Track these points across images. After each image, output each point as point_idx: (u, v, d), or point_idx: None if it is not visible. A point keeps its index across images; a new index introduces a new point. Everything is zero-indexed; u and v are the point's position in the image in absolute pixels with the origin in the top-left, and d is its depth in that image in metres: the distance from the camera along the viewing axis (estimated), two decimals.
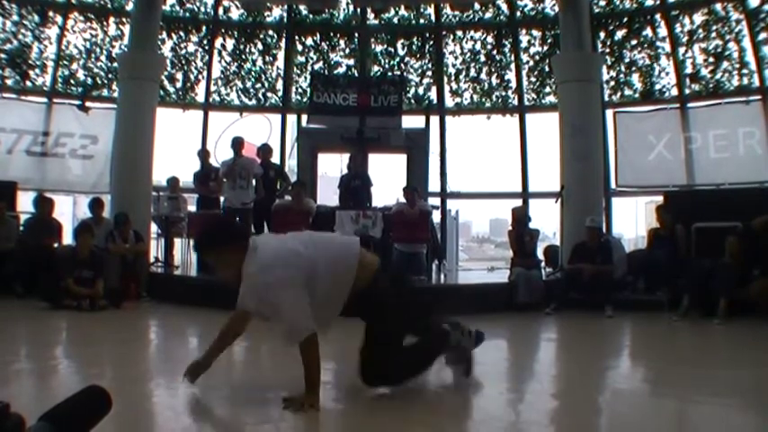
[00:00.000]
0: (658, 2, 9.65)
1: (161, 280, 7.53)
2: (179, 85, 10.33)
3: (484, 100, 10.45)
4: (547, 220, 9.78)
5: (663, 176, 9.26)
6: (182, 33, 10.34)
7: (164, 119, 9.26)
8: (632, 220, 13.84)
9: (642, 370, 4.41)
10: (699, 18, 9.29)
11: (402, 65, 10.61)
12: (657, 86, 9.65)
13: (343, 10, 10.53)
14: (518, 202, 9.45)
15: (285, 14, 10.60)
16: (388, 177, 12.38)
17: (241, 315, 3.18)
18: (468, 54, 10.50)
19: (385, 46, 10.66)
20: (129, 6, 9.50)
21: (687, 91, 9.41)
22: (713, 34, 9.18)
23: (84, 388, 0.83)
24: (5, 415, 0.72)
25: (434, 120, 10.49)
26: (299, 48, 10.67)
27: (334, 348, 4.72)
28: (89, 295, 6.14)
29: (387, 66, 10.64)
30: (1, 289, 6.74)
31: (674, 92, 9.50)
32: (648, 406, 3.19)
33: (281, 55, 10.60)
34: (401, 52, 10.64)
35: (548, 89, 10.09)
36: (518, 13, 10.35)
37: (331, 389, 3.59)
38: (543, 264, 7.92)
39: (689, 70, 9.39)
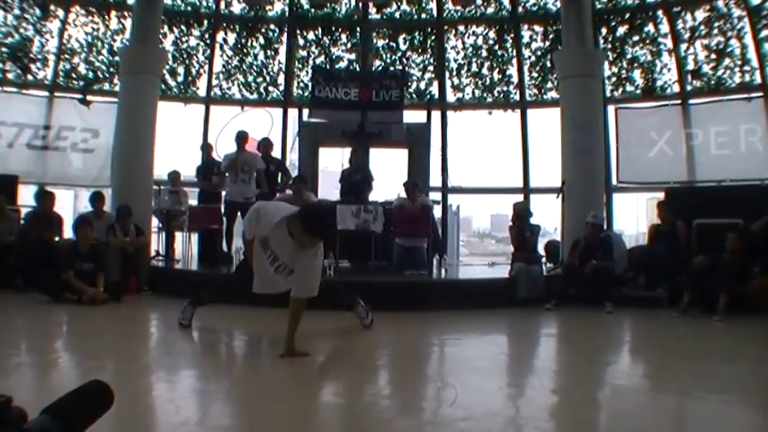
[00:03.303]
0: None
1: (162, 274, 7.53)
2: (180, 79, 10.31)
3: (485, 95, 10.43)
4: (548, 216, 9.77)
5: (664, 173, 9.24)
6: (183, 27, 10.32)
7: (165, 113, 9.25)
8: (633, 216, 13.87)
9: (642, 366, 4.42)
10: (701, 14, 9.25)
11: (404, 59, 10.58)
12: (659, 83, 9.62)
13: (345, 4, 10.50)
14: (519, 198, 9.41)
15: (287, 8, 10.58)
16: (389, 172, 12.35)
17: None
18: (470, 49, 10.47)
19: (387, 40, 10.64)
20: (131, 0, 9.48)
21: (689, 87, 9.38)
22: (715, 31, 9.14)
23: (87, 382, 0.83)
24: (7, 408, 0.73)
25: (436, 115, 10.47)
26: (301, 42, 10.64)
27: (333, 345, 4.76)
28: (89, 292, 6.12)
29: (388, 60, 10.62)
30: (1, 282, 6.72)
31: (676, 88, 9.47)
32: (648, 402, 3.20)
33: (282, 49, 10.57)
34: (403, 47, 10.61)
35: (549, 85, 10.08)
36: (520, 9, 10.32)
37: (332, 382, 3.62)
38: (544, 259, 7.92)
39: (690, 67, 9.37)
